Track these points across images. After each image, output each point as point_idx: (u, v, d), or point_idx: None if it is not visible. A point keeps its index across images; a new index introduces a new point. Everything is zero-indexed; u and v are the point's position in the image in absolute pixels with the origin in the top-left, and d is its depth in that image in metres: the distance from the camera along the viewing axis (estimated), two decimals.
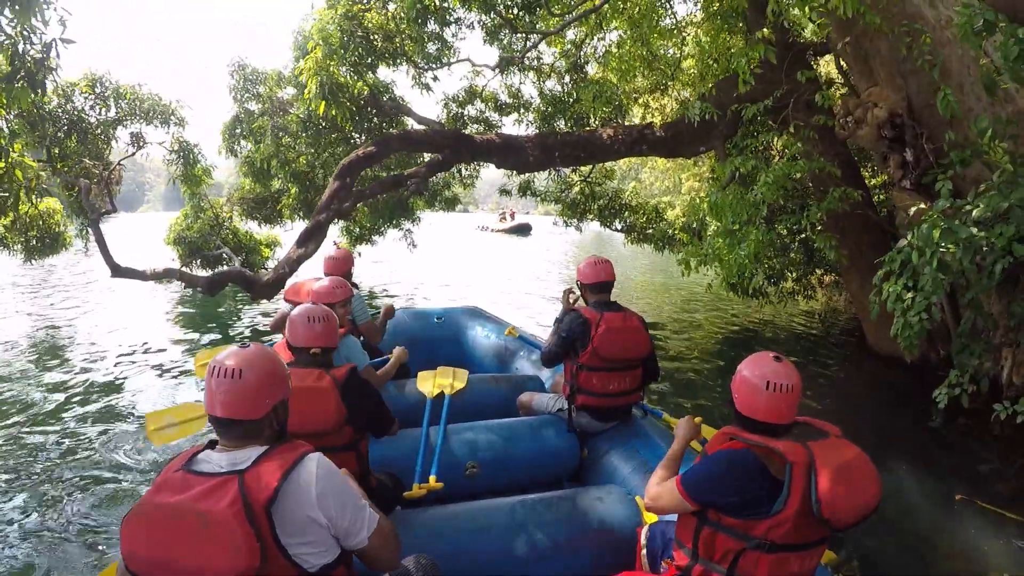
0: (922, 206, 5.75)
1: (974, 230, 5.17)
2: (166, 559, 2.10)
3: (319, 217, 9.95)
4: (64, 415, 7.53)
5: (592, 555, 3.71)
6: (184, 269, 12.55)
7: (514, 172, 13.12)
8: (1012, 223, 5.07)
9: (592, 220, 16.21)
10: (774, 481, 2.67)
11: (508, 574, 3.56)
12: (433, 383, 5.50)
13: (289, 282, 8.39)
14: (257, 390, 2.35)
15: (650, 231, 15.21)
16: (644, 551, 3.40)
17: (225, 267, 16.52)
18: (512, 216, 50.69)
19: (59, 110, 11.99)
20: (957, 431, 7.37)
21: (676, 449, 3.30)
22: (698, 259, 8.74)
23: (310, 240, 9.77)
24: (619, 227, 15.93)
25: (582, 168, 15.02)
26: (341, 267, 6.02)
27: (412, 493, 4.11)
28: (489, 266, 25.58)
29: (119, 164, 13.39)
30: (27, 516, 5.26)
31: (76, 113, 12.19)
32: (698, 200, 10.55)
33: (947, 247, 5.21)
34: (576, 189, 15.82)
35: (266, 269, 17.21)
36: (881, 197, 11.10)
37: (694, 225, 12.21)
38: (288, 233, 15.60)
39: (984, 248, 5.18)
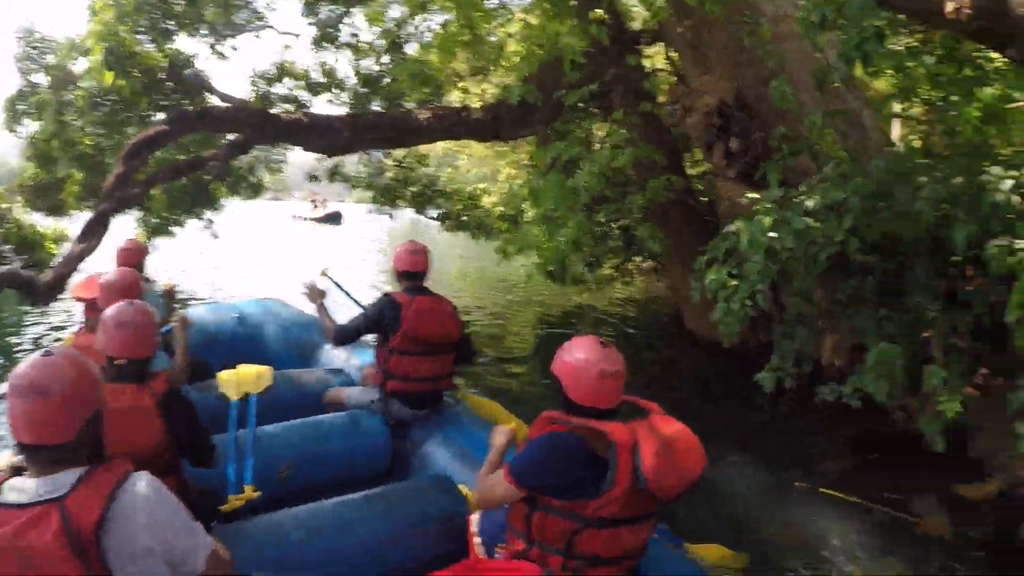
0: (755, 195, 5.67)
1: (809, 221, 5.21)
2: None
3: (102, 207, 9.02)
4: None
5: (423, 548, 3.65)
6: None
7: (325, 156, 12.47)
8: (850, 214, 5.11)
9: (406, 207, 15.72)
10: (599, 461, 2.71)
11: None
12: (236, 384, 5.00)
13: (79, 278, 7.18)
14: (65, 409, 2.06)
15: (466, 218, 14.80)
16: (476, 539, 3.38)
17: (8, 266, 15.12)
18: (324, 204, 49.36)
19: None
20: (783, 414, 7.55)
21: (493, 457, 3.28)
22: (516, 246, 8.76)
23: (93, 233, 8.83)
24: (434, 214, 15.55)
25: (396, 153, 14.76)
26: (132, 259, 5.69)
27: (229, 505, 3.89)
28: (299, 257, 24.65)
29: None
30: None
31: None
32: (517, 187, 10.23)
33: (779, 236, 5.25)
34: (389, 174, 15.30)
35: (52, 268, 15.80)
36: (701, 187, 11.07)
37: (512, 212, 11.91)
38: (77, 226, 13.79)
39: (820, 239, 5.24)
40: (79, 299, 5.42)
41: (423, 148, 14.98)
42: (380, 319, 4.80)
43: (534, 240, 8.12)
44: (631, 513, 2.73)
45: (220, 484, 4.01)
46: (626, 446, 2.68)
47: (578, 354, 2.87)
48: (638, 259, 13.04)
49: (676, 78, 9.96)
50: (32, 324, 11.87)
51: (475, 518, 3.49)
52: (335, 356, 6.48)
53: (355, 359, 6.22)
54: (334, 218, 47.07)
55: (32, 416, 2.03)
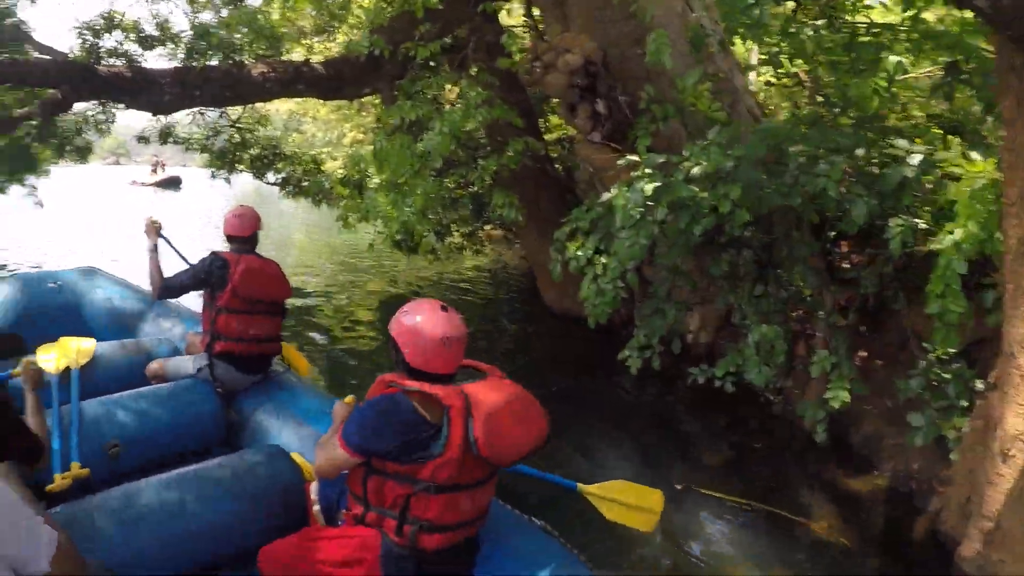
0: (634, 159, 5.08)
1: (695, 189, 4.90)
2: None
3: None
4: None
5: (263, 520, 3.61)
6: None
7: (156, 116, 11.43)
8: (737, 184, 4.81)
9: (244, 171, 14.54)
10: (430, 425, 2.73)
11: (183, 554, 3.40)
12: (57, 357, 4.94)
13: None
14: None
15: (306, 184, 13.88)
16: (316, 507, 3.39)
17: None
18: (163, 167, 46.94)
19: None
20: (650, 397, 7.28)
21: (334, 429, 3.23)
22: (358, 215, 8.32)
23: None
24: (273, 179, 14.49)
25: (233, 113, 13.67)
26: None
27: (56, 486, 3.78)
28: (132, 225, 22.98)
29: None
30: None
31: None
32: (360, 150, 9.48)
33: (658, 206, 4.96)
34: (224, 136, 14.09)
35: None
36: (555, 152, 10.52)
37: (355, 177, 11.15)
38: None
39: (705, 210, 4.94)
40: None
41: (263, 108, 14.22)
42: (208, 276, 4.74)
43: (379, 208, 7.65)
44: (467, 478, 2.77)
45: (45, 463, 3.71)
46: (459, 411, 2.69)
47: (417, 317, 2.88)
48: (488, 227, 12.87)
49: (535, 34, 9.35)
50: None
51: (313, 487, 3.47)
52: (159, 325, 6.29)
53: (179, 327, 6.07)
54: (173, 183, 44.95)
55: None
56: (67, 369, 4.87)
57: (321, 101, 22.19)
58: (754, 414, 6.55)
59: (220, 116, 13.49)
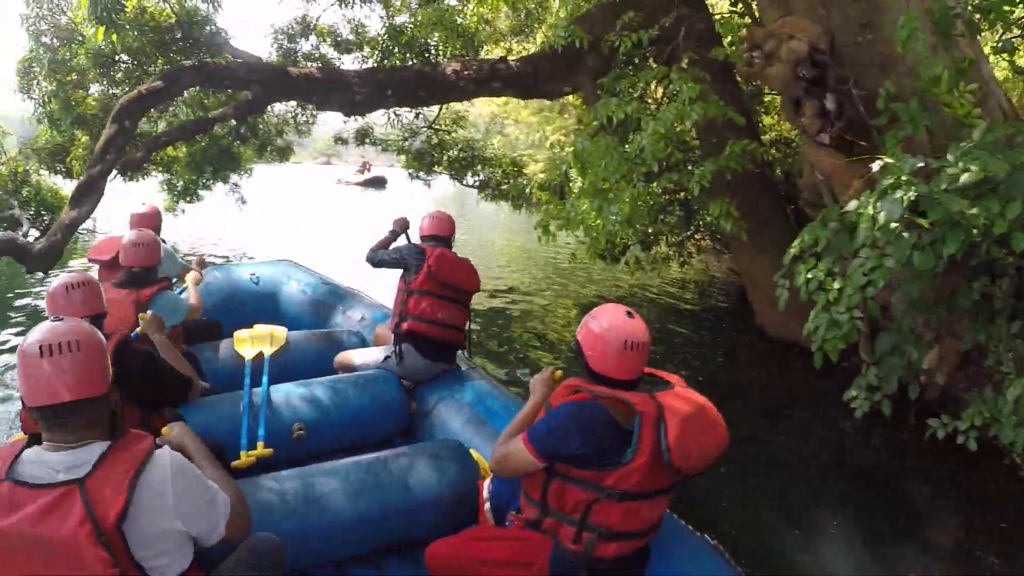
0: (880, 163, 4.60)
1: (964, 202, 3.96)
2: None
3: (91, 171, 8.23)
4: None
5: (433, 513, 3.71)
6: None
7: (349, 116, 11.39)
8: (1016, 197, 3.88)
9: (442, 173, 14.54)
10: (622, 431, 2.71)
11: (351, 538, 3.56)
12: (251, 343, 5.39)
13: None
14: (100, 359, 2.07)
15: (506, 187, 13.35)
16: (487, 505, 3.40)
17: (21, 231, 14.61)
18: (368, 168, 48.11)
19: None
20: (872, 447, 6.33)
21: (529, 407, 3.22)
22: (559, 222, 7.65)
23: (83, 199, 8.17)
24: (471, 181, 14.35)
25: (431, 114, 13.68)
26: (147, 224, 5.41)
27: (240, 463, 4.02)
28: (338, 223, 23.47)
29: None
30: None
31: None
32: (562, 152, 8.80)
33: (924, 220, 4.07)
34: (422, 137, 14.05)
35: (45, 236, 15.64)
36: (772, 155, 9.51)
37: (555, 181, 10.50)
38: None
39: (978, 226, 3.98)
40: (93, 260, 5.42)
41: (461, 109, 14.35)
42: (406, 257, 5.04)
43: (581, 215, 7.18)
44: (650, 487, 2.74)
45: (233, 441, 4.08)
46: (651, 416, 2.67)
47: (603, 323, 2.85)
48: (698, 237, 12.14)
49: (750, 20, 8.40)
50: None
51: (486, 483, 3.50)
52: (349, 317, 6.57)
53: (368, 320, 6.32)
54: (379, 183, 46.05)
55: (73, 369, 1.98)
56: (260, 354, 5.21)
57: (522, 103, 22.05)
58: (997, 478, 5.54)
59: (416, 117, 13.58)
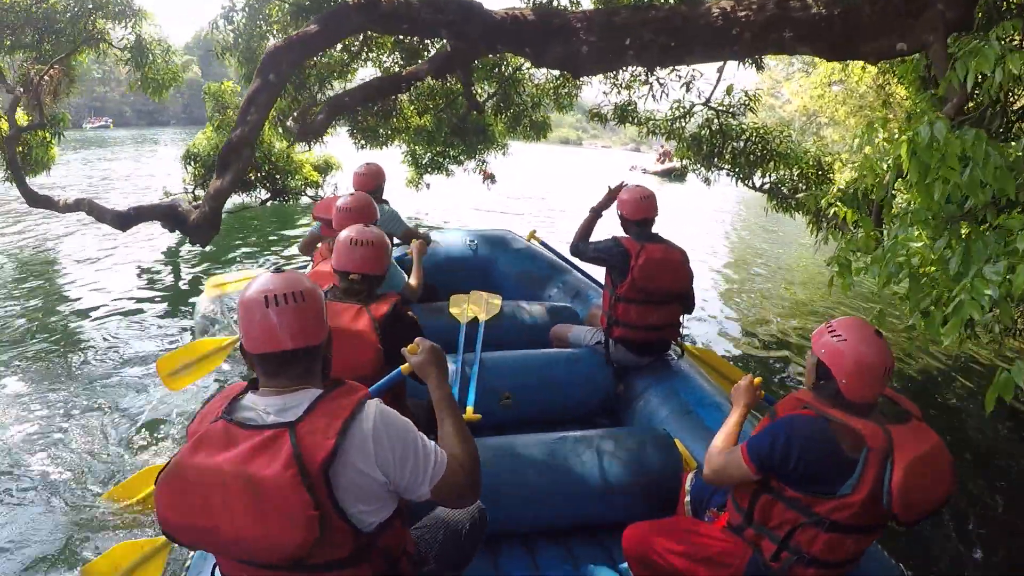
0: None
1: None
2: (208, 527, 1.96)
3: (234, 134, 7.56)
4: (59, 374, 6.83)
5: (631, 498, 3.76)
6: (95, 200, 10.63)
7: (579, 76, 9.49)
8: None
9: (724, 168, 10.94)
10: (845, 460, 2.61)
11: (545, 512, 3.70)
12: (467, 308, 5.64)
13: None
14: (319, 311, 2.20)
15: (802, 195, 9.92)
16: (688, 498, 3.48)
17: (253, 194, 16.32)
18: (669, 158, 45.37)
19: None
20: None
21: (737, 417, 3.17)
22: (870, 263, 4.22)
23: (228, 167, 7.68)
24: (758, 183, 10.71)
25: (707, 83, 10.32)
26: (369, 183, 5.88)
27: None
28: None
29: (53, 67, 11.47)
30: (37, 488, 4.87)
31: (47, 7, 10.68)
32: (883, 146, 5.38)
33: None
34: (697, 118, 10.71)
35: (316, 196, 16.81)
36: None
37: (868, 191, 6.96)
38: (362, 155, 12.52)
39: None
40: (317, 218, 5.69)
41: (762, 86, 11.38)
42: (607, 257, 4.94)
43: (906, 256, 3.94)
44: (863, 522, 2.64)
45: None
46: (879, 453, 2.55)
47: (848, 339, 2.68)
48: None
49: None
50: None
51: (689, 477, 3.58)
52: (564, 292, 6.81)
53: (582, 297, 6.54)
54: (679, 174, 43.13)
55: (295, 318, 2.10)
56: (475, 320, 5.45)
57: (840, 96, 18.47)
58: None
59: (687, 90, 10.51)
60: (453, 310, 5.58)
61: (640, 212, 4.94)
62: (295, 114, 9.82)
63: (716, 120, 10.44)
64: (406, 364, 2.76)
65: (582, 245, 5.14)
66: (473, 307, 5.64)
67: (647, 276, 4.76)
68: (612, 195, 5.22)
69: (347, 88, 10.63)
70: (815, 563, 2.70)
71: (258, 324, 2.09)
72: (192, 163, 14.84)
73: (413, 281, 5.27)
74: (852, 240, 4.79)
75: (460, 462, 2.30)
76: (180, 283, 10.90)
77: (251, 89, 7.49)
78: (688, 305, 5.12)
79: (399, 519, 2.27)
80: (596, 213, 5.29)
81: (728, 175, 10.83)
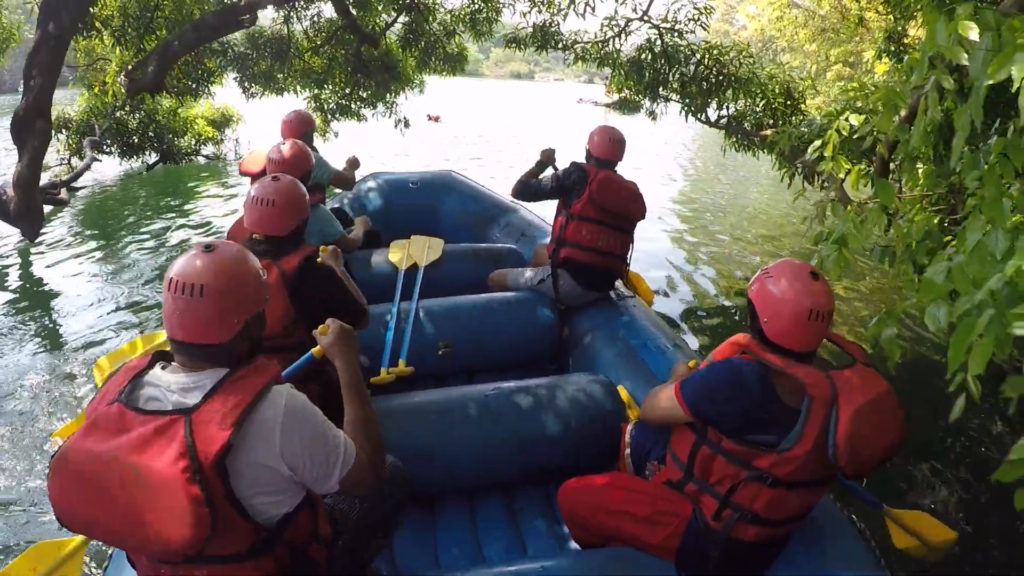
0: None
1: None
2: (99, 518, 1.87)
3: (19, 108, 6.55)
4: None
5: (571, 448, 3.66)
6: None
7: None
8: None
9: (671, 99, 9.47)
10: (784, 408, 2.50)
11: (484, 466, 3.60)
12: (405, 253, 5.49)
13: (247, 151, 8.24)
14: (224, 308, 2.02)
15: (768, 133, 8.02)
16: (628, 450, 3.31)
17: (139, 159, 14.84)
18: (622, 88, 43.81)
19: None
20: None
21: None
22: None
23: (23, 146, 6.59)
24: (713, 117, 9.24)
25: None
26: (297, 130, 5.57)
27: (380, 378, 4.11)
28: (543, 142, 22.16)
29: None
30: None
31: None
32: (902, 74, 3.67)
33: None
34: (636, 38, 9.32)
35: (216, 155, 16.46)
36: None
37: (867, 145, 4.95)
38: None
39: None
40: (245, 173, 5.38)
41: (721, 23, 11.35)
42: (565, 180, 4.84)
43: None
44: (807, 476, 2.51)
45: (375, 355, 4.21)
46: (822, 402, 2.42)
47: (784, 284, 2.53)
48: None
49: None
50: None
51: (629, 428, 3.39)
52: (509, 234, 6.60)
53: (527, 238, 6.36)
54: (632, 107, 41.20)
55: (185, 314, 1.97)
56: (414, 266, 5.30)
57: (800, 23, 17.13)
58: None
59: (621, 3, 9.21)
60: (392, 257, 5.45)
61: (607, 153, 4.87)
62: (128, 67, 8.98)
63: (659, 40, 8.91)
64: (317, 347, 2.59)
65: (531, 183, 5.07)
66: (413, 252, 5.51)
67: (604, 193, 4.69)
68: (546, 158, 5.20)
69: None
70: (758, 520, 2.59)
71: (164, 305, 2.01)
72: (64, 130, 13.26)
73: (357, 231, 5.42)
74: (852, 214, 3.16)
75: (367, 452, 2.22)
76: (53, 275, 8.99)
77: (37, 40, 6.42)
78: (631, 234, 5.07)
79: (307, 509, 2.17)
80: (537, 166, 5.20)
81: (679, 107, 8.92)
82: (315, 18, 11.62)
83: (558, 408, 3.69)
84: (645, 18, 9.01)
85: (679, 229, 12.58)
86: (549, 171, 5.14)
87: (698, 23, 8.85)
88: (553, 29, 9.69)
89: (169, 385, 1.95)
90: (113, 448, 1.81)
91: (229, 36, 10.86)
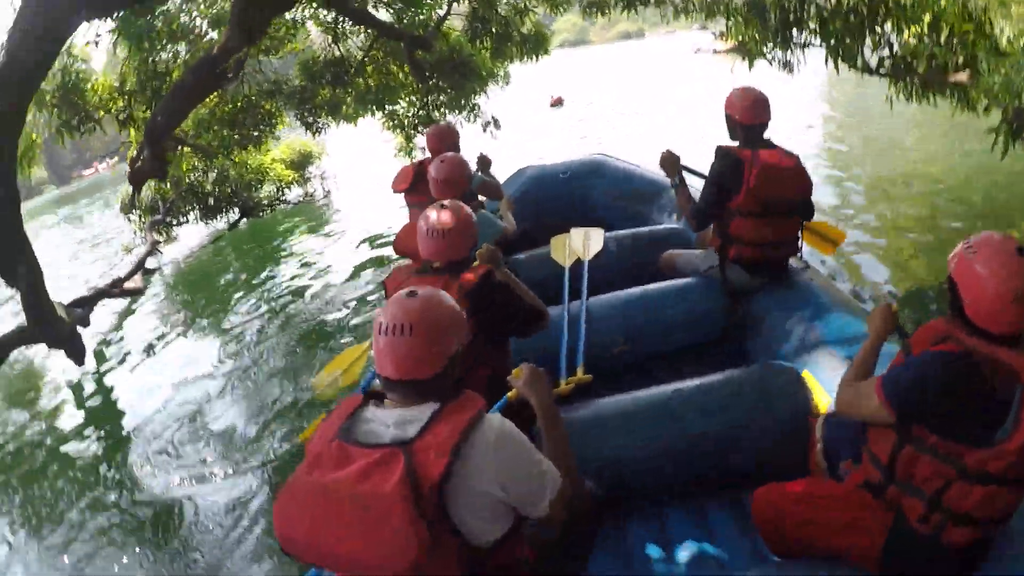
0: None
1: None
2: (322, 544, 2.01)
3: None
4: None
5: (759, 448, 3.53)
6: None
7: None
8: None
9: (807, 45, 7.54)
10: (997, 400, 2.28)
11: (669, 471, 3.53)
12: (567, 249, 5.21)
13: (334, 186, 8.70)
14: (430, 343, 2.18)
15: (953, 73, 6.11)
16: (820, 446, 3.13)
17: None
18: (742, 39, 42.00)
19: None
20: None
21: (870, 345, 2.86)
22: None
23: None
24: (873, 62, 6.98)
25: None
26: (447, 141, 5.60)
27: (560, 390, 3.94)
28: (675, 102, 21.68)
29: None
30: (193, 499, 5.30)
31: None
32: None
33: None
34: None
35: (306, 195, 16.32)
36: None
37: None
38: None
39: None
40: (398, 191, 5.63)
41: None
42: (722, 180, 4.44)
43: None
44: (1021, 473, 2.32)
45: (551, 366, 4.00)
46: None
47: (990, 262, 2.31)
48: None
49: None
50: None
51: (819, 423, 3.20)
52: (668, 211, 6.46)
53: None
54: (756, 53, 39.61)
55: (396, 352, 2.13)
56: (577, 261, 5.10)
57: None
58: None
59: None
60: (554, 254, 5.23)
61: (753, 117, 4.40)
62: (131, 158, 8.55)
63: None
64: (512, 390, 2.75)
65: (699, 206, 4.61)
66: (575, 246, 5.21)
67: (763, 185, 4.25)
68: (668, 162, 4.81)
69: None
70: (969, 521, 2.39)
71: (375, 346, 2.18)
72: (135, 209, 13.47)
73: (507, 217, 5.45)
74: None
75: (567, 479, 2.29)
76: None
77: None
78: (808, 213, 4.64)
79: (515, 535, 2.26)
80: (679, 184, 4.84)
81: (828, 54, 6.96)
82: (367, 32, 10.82)
83: (743, 405, 3.60)
84: None
85: (847, 185, 11.31)
86: (688, 176, 4.83)
87: None
88: None
89: (386, 420, 2.09)
90: (337, 479, 1.94)
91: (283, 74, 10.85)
